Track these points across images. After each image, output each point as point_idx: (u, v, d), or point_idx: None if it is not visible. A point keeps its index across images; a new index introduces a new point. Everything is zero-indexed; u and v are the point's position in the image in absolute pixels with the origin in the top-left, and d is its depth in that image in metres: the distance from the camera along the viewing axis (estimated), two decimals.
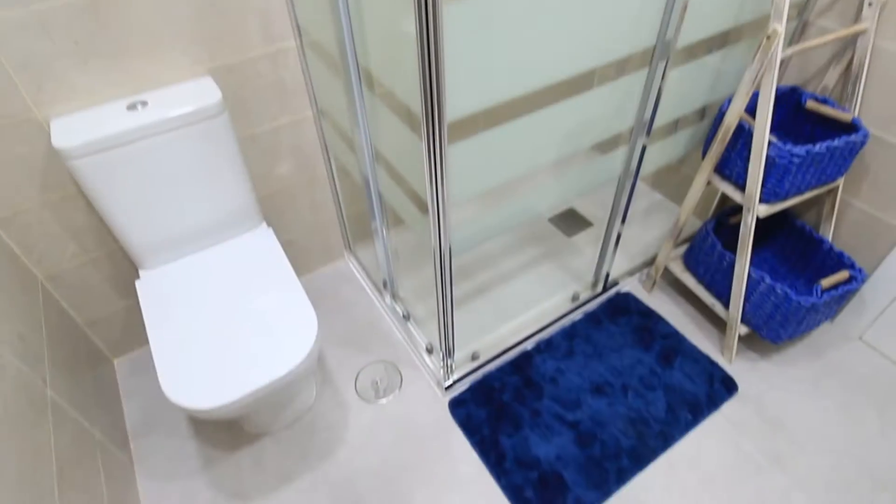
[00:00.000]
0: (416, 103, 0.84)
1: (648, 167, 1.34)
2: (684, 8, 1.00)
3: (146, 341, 1.59)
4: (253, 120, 1.31)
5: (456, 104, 0.86)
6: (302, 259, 1.73)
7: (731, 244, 1.46)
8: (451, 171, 0.93)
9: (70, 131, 1.04)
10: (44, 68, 1.02)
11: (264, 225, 1.38)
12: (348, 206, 1.67)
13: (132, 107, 1.09)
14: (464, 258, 1.78)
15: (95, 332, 1.48)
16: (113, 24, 1.03)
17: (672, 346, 1.54)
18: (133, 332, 1.54)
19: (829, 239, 1.44)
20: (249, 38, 1.18)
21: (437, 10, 0.71)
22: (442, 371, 1.41)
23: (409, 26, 0.75)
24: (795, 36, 1.33)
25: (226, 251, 1.31)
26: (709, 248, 1.45)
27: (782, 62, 1.23)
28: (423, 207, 1.03)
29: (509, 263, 1.77)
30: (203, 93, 1.12)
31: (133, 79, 1.11)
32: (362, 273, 1.76)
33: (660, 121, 1.22)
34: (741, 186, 1.27)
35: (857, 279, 1.33)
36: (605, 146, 1.21)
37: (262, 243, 1.32)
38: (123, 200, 1.14)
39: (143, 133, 1.07)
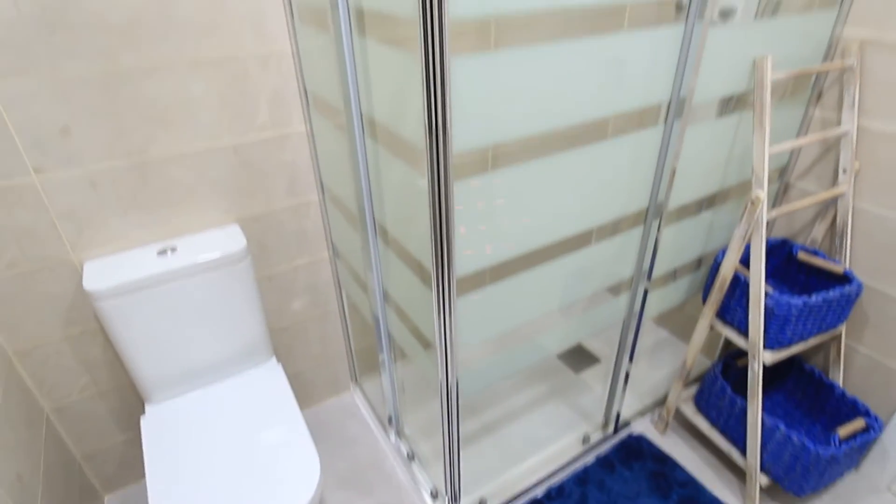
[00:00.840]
0: (427, 259, 0.91)
1: (651, 311, 1.38)
2: (672, 174, 1.10)
3: (139, 477, 1.54)
4: (272, 261, 1.39)
5: (465, 262, 0.92)
6: (308, 391, 1.72)
7: (741, 386, 1.44)
8: (459, 320, 0.97)
9: (101, 274, 1.11)
10: (86, 218, 1.12)
11: (274, 360, 1.40)
12: (357, 340, 1.69)
13: (162, 252, 1.17)
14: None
15: (91, 467, 1.44)
16: (155, 181, 1.15)
17: (691, 495, 1.45)
18: (128, 468, 1.50)
19: (840, 384, 1.42)
20: (277, 192, 1.30)
21: (449, 188, 0.79)
22: None
23: (423, 183, 0.83)
24: (779, 196, 1.43)
25: (233, 387, 1.31)
26: (719, 391, 1.43)
27: (769, 222, 1.32)
28: (431, 350, 1.06)
29: (517, 400, 1.74)
30: (229, 240, 1.21)
31: (166, 226, 1.21)
32: (367, 407, 1.73)
33: (658, 271, 1.28)
34: (744, 333, 1.30)
35: (874, 428, 1.29)
36: (608, 292, 1.26)
37: (270, 380, 1.33)
38: (142, 337, 1.17)
39: (170, 277, 1.13)
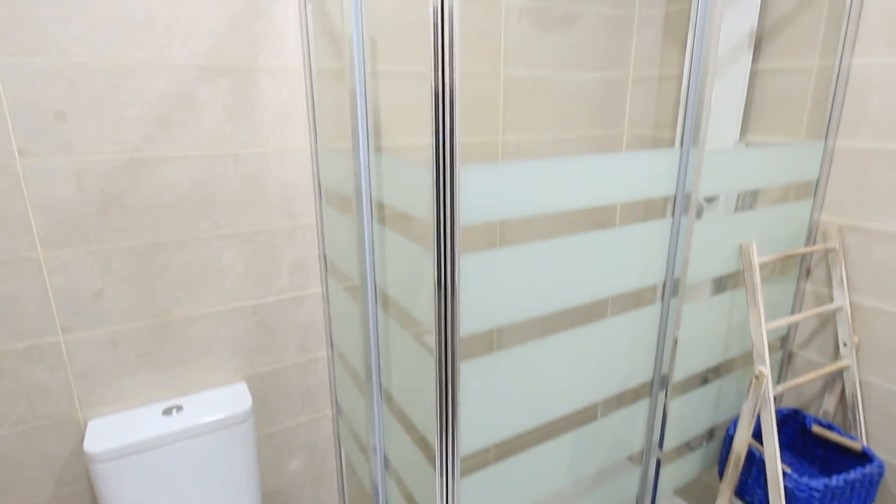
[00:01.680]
0: (431, 433, 0.90)
1: (666, 485, 1.31)
2: (674, 348, 1.13)
3: None
4: (275, 419, 1.37)
5: (470, 439, 0.92)
6: None
7: None
8: (463, 500, 0.93)
9: (103, 435, 1.10)
10: (100, 376, 1.14)
11: None
12: None
13: (167, 411, 1.17)
14: None
15: None
16: (173, 341, 1.19)
17: None
18: None
19: None
20: (288, 350, 1.33)
21: (456, 367, 0.82)
22: None
23: (431, 361, 0.86)
24: (784, 365, 1.44)
25: None
26: None
27: (776, 397, 1.31)
28: None
29: None
30: (236, 399, 1.21)
31: (175, 384, 1.22)
32: None
33: (669, 443, 1.25)
34: None
35: None
36: (620, 465, 1.22)
37: None
38: (131, 500, 1.12)
39: (171, 439, 1.12)
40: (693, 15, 1.01)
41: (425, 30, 0.69)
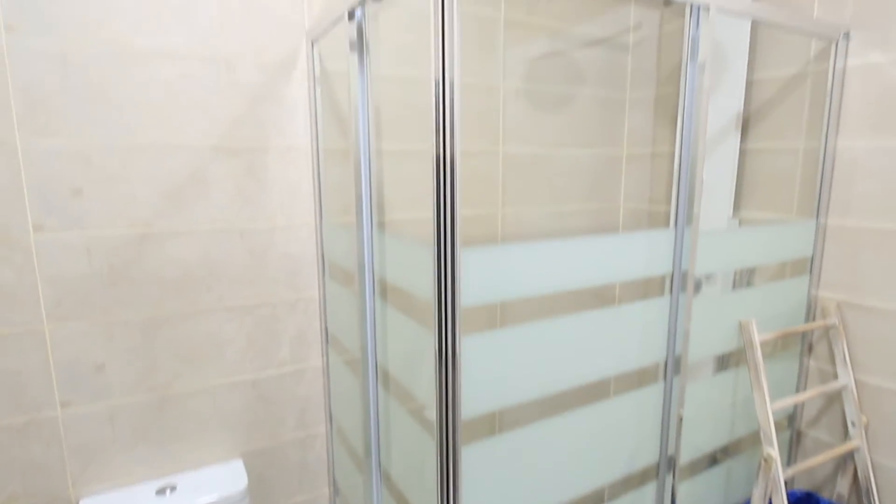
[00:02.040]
0: None
1: None
2: (679, 428, 1.10)
3: None
4: (270, 498, 1.33)
5: None
6: None
7: None
8: None
9: None
10: (95, 452, 1.12)
11: None
12: None
13: (161, 491, 1.13)
14: None
15: None
16: (171, 415, 1.18)
17: None
18: None
19: None
20: (286, 425, 1.31)
21: (458, 451, 0.81)
22: None
23: (431, 444, 0.84)
24: (793, 445, 1.40)
25: None
26: None
27: (787, 480, 1.27)
28: None
29: None
30: (231, 478, 1.18)
31: (170, 461, 1.19)
32: None
33: None
34: None
35: None
36: None
37: None
38: None
39: None
40: (681, 98, 1.07)
41: (427, 110, 0.74)
